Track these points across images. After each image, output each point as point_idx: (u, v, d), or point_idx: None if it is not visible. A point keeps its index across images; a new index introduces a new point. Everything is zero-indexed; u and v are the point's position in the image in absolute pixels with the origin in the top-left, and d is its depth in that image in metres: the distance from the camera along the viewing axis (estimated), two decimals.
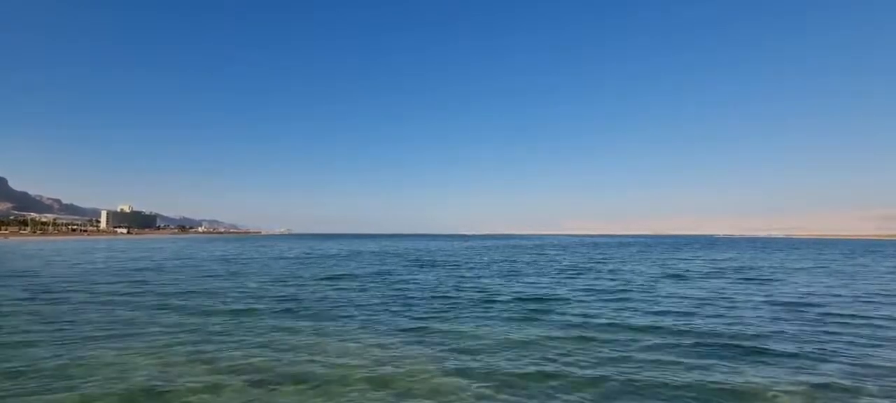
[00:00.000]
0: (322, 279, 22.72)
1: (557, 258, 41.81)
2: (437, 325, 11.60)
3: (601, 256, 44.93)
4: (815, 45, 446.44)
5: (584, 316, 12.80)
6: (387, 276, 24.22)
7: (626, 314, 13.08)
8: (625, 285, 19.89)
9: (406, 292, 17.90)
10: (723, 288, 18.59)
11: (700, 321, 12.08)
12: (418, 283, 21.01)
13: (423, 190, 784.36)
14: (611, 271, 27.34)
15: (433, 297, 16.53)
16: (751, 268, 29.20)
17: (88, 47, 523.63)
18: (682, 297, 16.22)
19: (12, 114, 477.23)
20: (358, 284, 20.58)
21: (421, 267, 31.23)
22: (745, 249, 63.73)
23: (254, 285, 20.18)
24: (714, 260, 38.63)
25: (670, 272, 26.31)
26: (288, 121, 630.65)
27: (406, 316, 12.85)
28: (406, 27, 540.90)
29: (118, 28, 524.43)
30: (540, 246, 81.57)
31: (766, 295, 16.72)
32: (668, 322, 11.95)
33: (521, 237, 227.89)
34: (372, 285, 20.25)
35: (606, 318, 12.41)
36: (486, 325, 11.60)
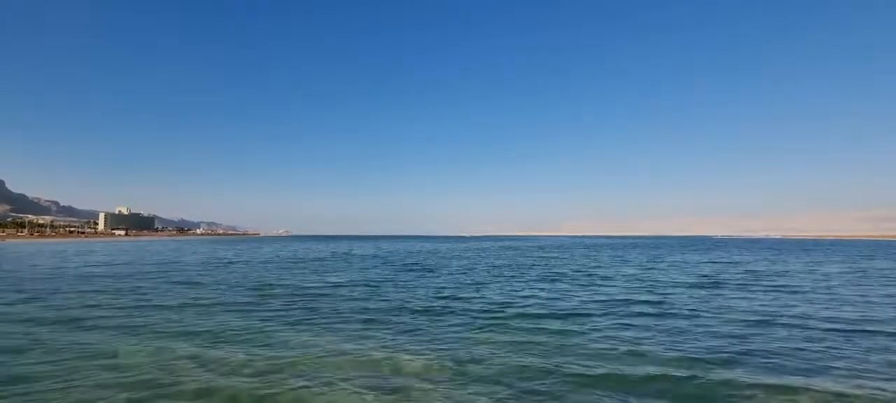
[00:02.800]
0: (300, 286, 20.08)
1: (565, 261, 39.15)
2: (437, 353, 8.98)
3: (611, 259, 42.26)
4: (812, 46, 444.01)
5: (627, 340, 10.14)
6: (381, 283, 21.56)
7: (682, 339, 10.37)
8: (655, 296, 17.17)
9: (399, 302, 15.25)
10: (777, 301, 15.92)
11: (791, 358, 9.43)
12: (412, 292, 18.34)
13: (423, 191, 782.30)
14: (632, 278, 24.66)
15: (431, 310, 13.88)
16: (783, 274, 26.52)
17: (87, 47, 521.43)
18: (734, 315, 13.46)
19: (10, 115, 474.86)
20: (342, 292, 17.92)
21: (416, 271, 28.58)
22: (755, 251, 60.97)
23: (226, 291, 17.54)
24: (735, 264, 35.92)
25: (700, 280, 23.57)
26: (287, 122, 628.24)
27: (394, 337, 10.22)
28: (406, 27, 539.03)
29: (117, 28, 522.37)
30: (542, 247, 78.87)
31: (834, 313, 14.10)
32: (741, 355, 9.30)
33: (520, 238, 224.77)
34: (362, 292, 17.60)
35: (656, 346, 9.73)
36: (504, 348, 8.99)
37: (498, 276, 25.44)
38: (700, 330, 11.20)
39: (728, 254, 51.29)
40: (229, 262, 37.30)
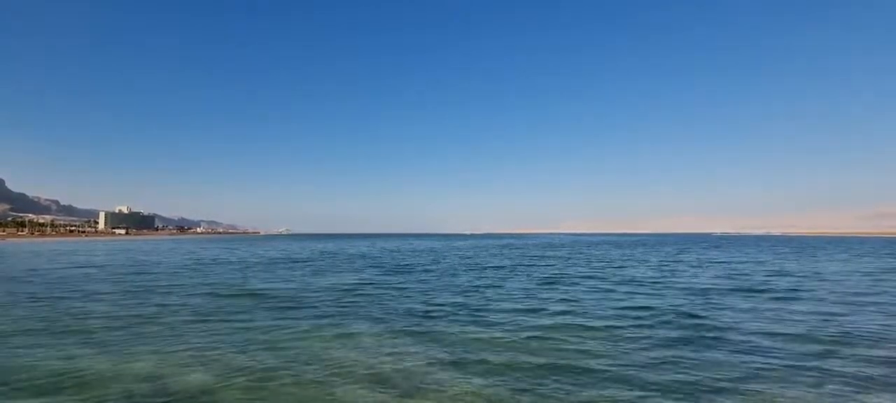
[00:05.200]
0: (260, 290, 17.49)
1: (573, 261, 36.45)
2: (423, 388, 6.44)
3: (621, 259, 39.47)
4: (811, 44, 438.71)
5: (685, 370, 7.36)
6: (363, 287, 18.96)
7: (753, 370, 7.55)
8: (693, 305, 14.39)
9: (380, 312, 12.63)
10: (838, 312, 13.22)
11: None
12: (399, 299, 15.71)
13: (423, 190, 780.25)
14: (654, 281, 21.95)
15: (421, 321, 11.21)
16: (817, 276, 23.75)
17: (87, 47, 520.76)
18: (798, 330, 10.79)
19: (10, 114, 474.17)
20: (314, 298, 15.30)
21: (408, 273, 25.95)
22: (767, 250, 58.02)
23: (186, 297, 14.97)
24: (759, 263, 33.08)
25: (733, 283, 20.77)
26: (288, 121, 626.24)
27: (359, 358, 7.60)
28: (406, 27, 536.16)
29: (117, 28, 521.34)
30: (543, 245, 76.07)
31: None
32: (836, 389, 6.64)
33: (520, 236, 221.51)
34: (338, 297, 14.97)
35: (728, 380, 7.02)
36: (519, 380, 6.50)
37: (504, 279, 22.80)
38: (765, 353, 8.55)
39: (743, 253, 48.50)
40: (210, 263, 34.82)
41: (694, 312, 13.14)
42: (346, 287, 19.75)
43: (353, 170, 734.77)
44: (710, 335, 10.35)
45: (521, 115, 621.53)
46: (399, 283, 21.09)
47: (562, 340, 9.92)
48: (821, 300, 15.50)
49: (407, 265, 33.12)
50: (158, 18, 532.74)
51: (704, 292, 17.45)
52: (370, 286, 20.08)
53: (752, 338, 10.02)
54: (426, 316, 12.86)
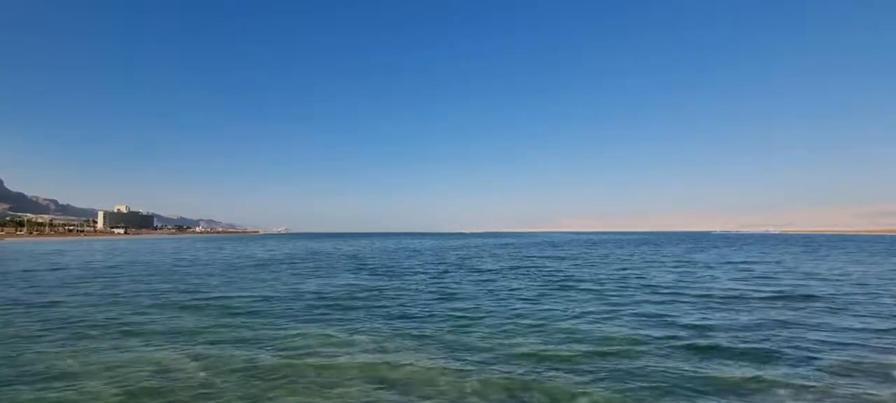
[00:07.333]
0: (213, 297, 15.43)
1: (580, 262, 34.31)
2: None
3: (630, 258, 37.30)
4: (810, 42, 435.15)
5: None
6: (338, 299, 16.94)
7: None
8: (731, 316, 12.26)
9: (353, 328, 10.63)
10: None
11: None
12: (378, 309, 13.69)
13: (422, 189, 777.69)
14: (676, 286, 19.83)
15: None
16: (855, 280, 21.61)
17: (86, 47, 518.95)
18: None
19: (9, 114, 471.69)
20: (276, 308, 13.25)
21: (389, 276, 23.92)
22: (778, 249, 55.87)
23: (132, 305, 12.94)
24: (778, 262, 30.86)
25: (770, 288, 18.60)
26: (288, 120, 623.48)
27: None
28: (405, 26, 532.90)
29: (116, 28, 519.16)
30: (545, 244, 73.88)
31: None
32: None
33: (520, 235, 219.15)
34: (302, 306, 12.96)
35: None
36: None
37: (504, 282, 20.72)
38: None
39: (753, 253, 46.38)
40: (185, 264, 32.78)
41: (751, 329, 11.04)
42: (334, 291, 17.74)
43: (351, 169, 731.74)
44: (806, 368, 8.31)
45: (520, 114, 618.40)
46: (392, 287, 19.06)
47: (577, 359, 7.90)
48: (871, 308, 13.44)
49: (402, 267, 31.10)
50: (157, 18, 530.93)
51: (740, 300, 15.27)
52: (363, 290, 18.07)
53: (848, 370, 7.97)
54: (421, 320, 10.91)
